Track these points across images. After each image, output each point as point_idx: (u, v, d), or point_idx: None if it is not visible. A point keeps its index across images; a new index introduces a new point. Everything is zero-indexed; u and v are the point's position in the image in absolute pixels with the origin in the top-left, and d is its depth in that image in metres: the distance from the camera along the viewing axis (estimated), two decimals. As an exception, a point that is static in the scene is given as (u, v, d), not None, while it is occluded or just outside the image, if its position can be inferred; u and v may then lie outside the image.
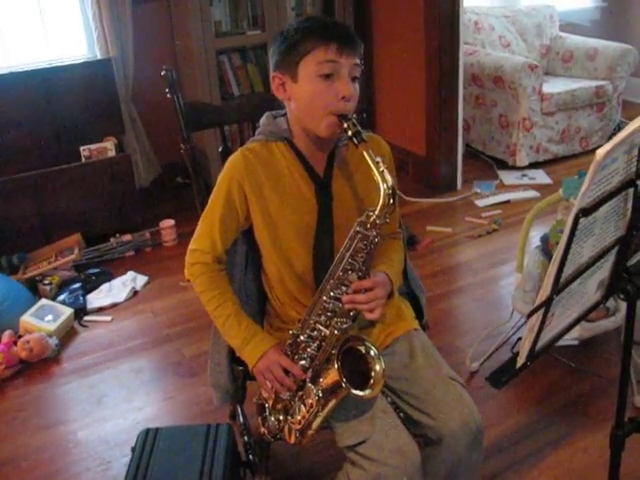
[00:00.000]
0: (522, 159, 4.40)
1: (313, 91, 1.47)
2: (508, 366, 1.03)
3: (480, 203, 4.02)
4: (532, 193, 4.07)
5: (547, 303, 0.93)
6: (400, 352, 1.66)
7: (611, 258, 1.08)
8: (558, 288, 0.92)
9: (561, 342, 2.51)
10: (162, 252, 3.74)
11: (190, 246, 1.66)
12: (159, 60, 4.17)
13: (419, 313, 1.87)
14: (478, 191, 4.18)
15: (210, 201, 1.62)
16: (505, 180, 4.32)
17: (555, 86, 4.50)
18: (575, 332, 2.49)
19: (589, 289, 1.08)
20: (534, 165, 4.46)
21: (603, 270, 1.08)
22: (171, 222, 3.80)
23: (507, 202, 4.01)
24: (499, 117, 4.47)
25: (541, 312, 0.93)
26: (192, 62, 4.02)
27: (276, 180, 1.57)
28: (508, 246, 3.46)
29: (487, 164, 4.61)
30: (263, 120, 1.63)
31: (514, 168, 4.44)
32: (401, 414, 1.63)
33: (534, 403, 2.39)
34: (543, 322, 0.95)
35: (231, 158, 1.60)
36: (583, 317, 1.11)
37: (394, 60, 4.33)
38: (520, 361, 1.01)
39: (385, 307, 1.60)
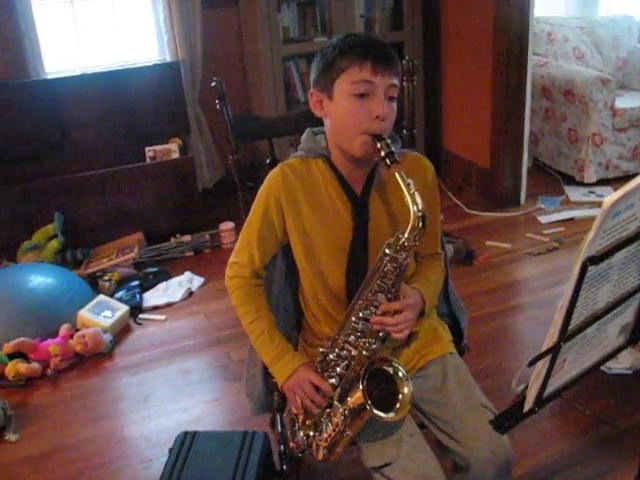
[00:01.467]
0: (590, 175, 4.26)
1: (347, 110, 1.46)
2: (515, 410, 1.00)
3: (543, 219, 3.92)
4: (598, 211, 3.92)
5: (553, 351, 0.89)
6: (433, 375, 1.63)
7: (635, 302, 1.04)
8: (567, 336, 0.89)
9: (614, 370, 2.47)
10: (220, 254, 3.79)
11: (230, 259, 1.69)
12: (227, 64, 4.25)
13: (459, 335, 1.84)
14: (542, 207, 4.07)
15: (249, 215, 1.64)
16: (571, 196, 4.20)
17: (630, 101, 4.34)
18: (627, 361, 2.41)
19: (609, 333, 1.03)
20: (603, 182, 4.31)
21: (626, 314, 1.03)
22: (231, 225, 3.85)
23: (571, 219, 3.89)
24: (568, 131, 4.35)
25: (548, 358, 0.90)
26: (259, 67, 4.07)
27: (313, 197, 1.57)
28: (568, 266, 3.36)
29: (554, 179, 4.49)
30: (304, 136, 1.64)
31: (582, 184, 4.31)
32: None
33: (578, 433, 2.30)
34: (550, 369, 0.91)
35: (270, 173, 1.61)
36: (604, 361, 1.07)
37: (462, 72, 4.27)
38: (527, 406, 0.97)
39: (416, 326, 1.59)
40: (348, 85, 1.45)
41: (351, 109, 1.45)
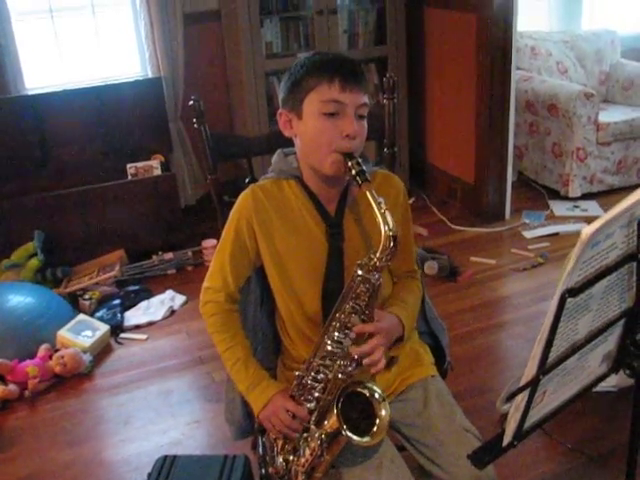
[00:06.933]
0: (575, 190, 4.25)
1: (317, 129, 1.43)
2: (494, 444, 0.96)
3: (528, 234, 3.91)
4: (582, 226, 3.93)
5: (532, 384, 0.86)
6: (414, 399, 1.60)
7: (617, 331, 1.01)
8: (545, 369, 0.86)
9: (599, 388, 2.44)
10: (203, 272, 3.64)
11: (204, 284, 1.66)
12: (210, 79, 4.23)
13: (441, 354, 1.81)
14: (527, 221, 4.06)
15: (221, 238, 1.61)
16: (556, 211, 4.19)
17: (613, 115, 4.35)
18: (613, 379, 2.38)
19: (591, 363, 1.00)
20: (587, 196, 4.30)
21: (608, 343, 1.00)
22: (213, 242, 3.80)
23: (556, 234, 3.88)
24: (552, 146, 4.35)
25: (527, 392, 0.87)
26: (242, 82, 4.04)
27: (286, 219, 1.54)
28: (552, 282, 3.34)
29: (539, 193, 4.49)
30: (275, 158, 1.61)
31: (566, 199, 4.30)
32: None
33: (566, 451, 2.27)
34: (530, 402, 0.88)
35: (241, 195, 1.58)
36: (586, 391, 1.04)
37: (445, 87, 4.27)
38: (506, 440, 0.94)
39: (396, 351, 1.56)
40: (317, 104, 1.42)
41: (321, 128, 1.43)
